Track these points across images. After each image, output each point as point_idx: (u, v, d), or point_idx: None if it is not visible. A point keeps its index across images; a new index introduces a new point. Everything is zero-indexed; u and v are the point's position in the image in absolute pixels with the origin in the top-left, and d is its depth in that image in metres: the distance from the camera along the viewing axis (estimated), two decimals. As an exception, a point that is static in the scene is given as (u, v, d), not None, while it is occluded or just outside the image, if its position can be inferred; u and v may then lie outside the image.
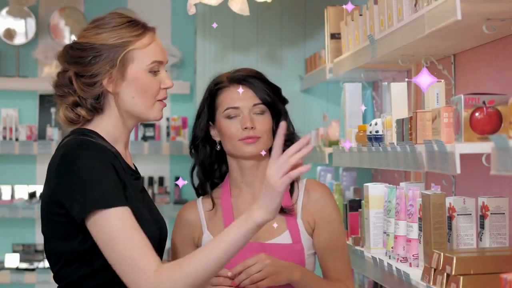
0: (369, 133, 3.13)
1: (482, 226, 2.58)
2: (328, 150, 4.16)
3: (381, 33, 3.11)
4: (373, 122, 3.13)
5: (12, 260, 5.72)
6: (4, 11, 5.72)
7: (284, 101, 2.71)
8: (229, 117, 2.63)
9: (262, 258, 2.48)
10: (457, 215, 2.60)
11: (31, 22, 5.72)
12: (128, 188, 2.30)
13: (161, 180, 5.79)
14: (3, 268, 5.67)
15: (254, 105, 2.63)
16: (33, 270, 5.64)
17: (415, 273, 2.64)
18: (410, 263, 2.80)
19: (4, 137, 5.64)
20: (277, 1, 5.01)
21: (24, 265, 5.69)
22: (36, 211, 5.55)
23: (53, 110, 5.69)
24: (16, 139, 5.64)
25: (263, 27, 5.27)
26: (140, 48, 2.36)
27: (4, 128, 5.65)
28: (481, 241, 2.58)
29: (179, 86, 5.51)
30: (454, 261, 2.28)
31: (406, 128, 2.73)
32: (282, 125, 2.17)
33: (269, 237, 2.61)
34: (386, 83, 3.54)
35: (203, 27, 5.24)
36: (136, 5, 5.72)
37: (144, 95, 2.37)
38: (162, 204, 5.58)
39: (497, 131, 2.22)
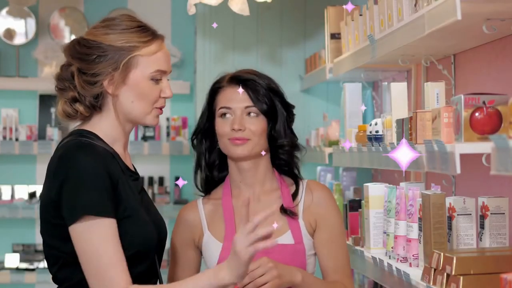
0: (369, 133, 3.13)
1: (482, 226, 2.57)
2: (328, 150, 4.16)
3: (381, 33, 3.10)
4: (373, 122, 3.13)
5: (12, 260, 5.71)
6: (4, 11, 5.71)
7: (288, 106, 2.71)
8: (222, 116, 2.64)
9: (265, 262, 2.48)
10: (457, 215, 2.60)
11: (31, 22, 5.71)
12: (126, 189, 2.30)
13: (161, 180, 5.78)
14: (3, 268, 5.66)
15: (247, 107, 2.64)
16: (33, 270, 5.63)
17: (415, 273, 2.64)
18: (410, 263, 2.80)
19: (4, 137, 5.63)
20: (277, 1, 5.01)
21: (24, 265, 5.68)
22: (36, 211, 5.54)
23: (53, 110, 5.68)
24: (16, 139, 5.63)
25: (263, 27, 5.26)
26: (146, 55, 2.36)
27: (4, 128, 5.64)
28: (481, 241, 2.58)
29: (179, 86, 5.50)
30: (454, 261, 2.28)
31: (406, 128, 2.73)
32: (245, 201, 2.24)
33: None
34: (386, 83, 3.54)
35: (203, 27, 5.24)
36: (136, 5, 5.72)
37: (143, 101, 2.36)
38: (162, 204, 5.57)
39: (497, 131, 2.22)
